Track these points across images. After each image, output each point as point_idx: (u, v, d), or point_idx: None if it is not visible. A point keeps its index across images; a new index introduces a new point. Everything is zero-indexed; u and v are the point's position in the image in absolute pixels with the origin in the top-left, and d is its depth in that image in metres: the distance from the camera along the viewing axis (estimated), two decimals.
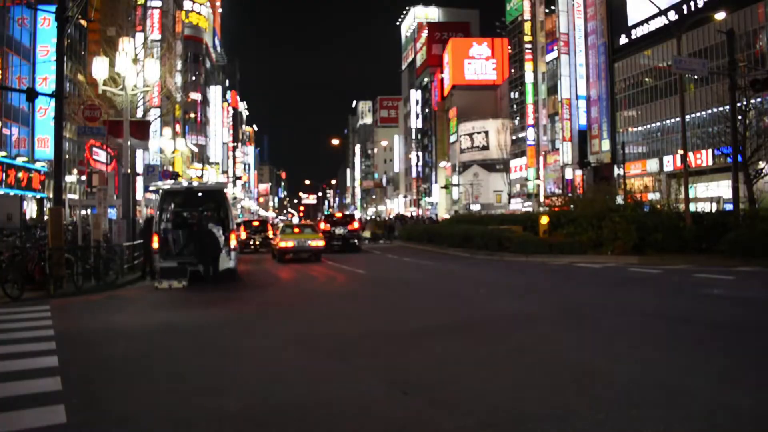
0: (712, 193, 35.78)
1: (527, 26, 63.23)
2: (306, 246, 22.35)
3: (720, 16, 32.39)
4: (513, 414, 4.64)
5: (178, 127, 60.47)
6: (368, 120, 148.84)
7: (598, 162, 50.09)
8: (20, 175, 34.57)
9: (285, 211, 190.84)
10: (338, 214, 33.78)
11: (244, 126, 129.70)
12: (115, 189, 18.44)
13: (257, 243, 29.91)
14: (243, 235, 28.72)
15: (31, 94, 15.33)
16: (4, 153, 32.83)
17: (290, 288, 14.77)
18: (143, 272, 16.05)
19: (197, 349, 7.45)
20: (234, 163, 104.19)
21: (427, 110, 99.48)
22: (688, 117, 26.89)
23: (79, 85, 28.53)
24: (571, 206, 25.23)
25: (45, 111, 34.67)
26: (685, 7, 40.36)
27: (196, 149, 72.70)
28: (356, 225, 29.69)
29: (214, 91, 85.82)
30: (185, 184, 19.12)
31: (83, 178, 21.20)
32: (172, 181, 23.65)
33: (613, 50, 48.92)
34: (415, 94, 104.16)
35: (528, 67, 63.48)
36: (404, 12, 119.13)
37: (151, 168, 26.65)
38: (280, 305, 11.63)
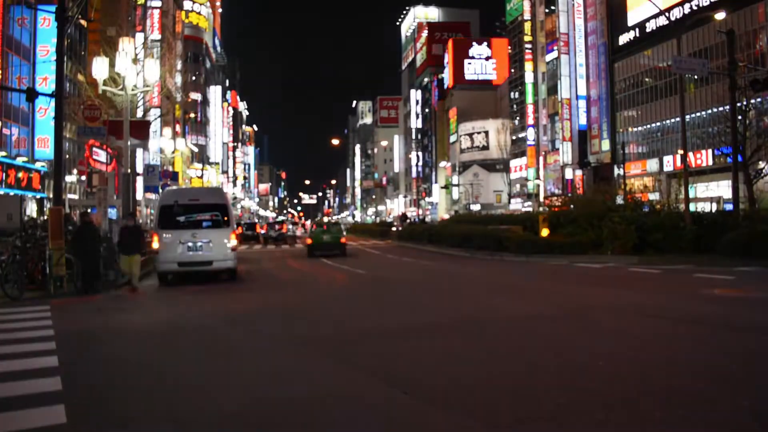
0: (712, 193, 35.77)
1: (527, 26, 63.24)
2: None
3: (720, 16, 32.38)
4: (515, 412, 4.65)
5: (178, 127, 60.46)
6: (368, 120, 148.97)
7: (598, 162, 50.10)
8: (20, 175, 34.51)
9: (285, 211, 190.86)
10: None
11: (244, 126, 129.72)
12: (115, 189, 18.47)
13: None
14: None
15: (31, 94, 15.34)
16: (4, 153, 32.78)
17: (291, 287, 14.76)
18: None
19: (197, 349, 7.45)
20: (234, 163, 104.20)
21: (427, 110, 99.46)
22: (688, 117, 26.88)
23: (79, 85, 28.58)
24: (571, 206, 25.24)
25: (45, 111, 34.61)
26: (685, 6, 40.40)
27: (196, 149, 72.72)
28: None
29: (214, 91, 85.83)
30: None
31: (83, 178, 21.23)
32: (176, 186, 23.91)
33: (613, 50, 48.91)
34: (415, 94, 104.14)
35: (528, 67, 63.48)
36: (404, 12, 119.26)
37: (151, 168, 26.65)
38: (281, 304, 11.62)
